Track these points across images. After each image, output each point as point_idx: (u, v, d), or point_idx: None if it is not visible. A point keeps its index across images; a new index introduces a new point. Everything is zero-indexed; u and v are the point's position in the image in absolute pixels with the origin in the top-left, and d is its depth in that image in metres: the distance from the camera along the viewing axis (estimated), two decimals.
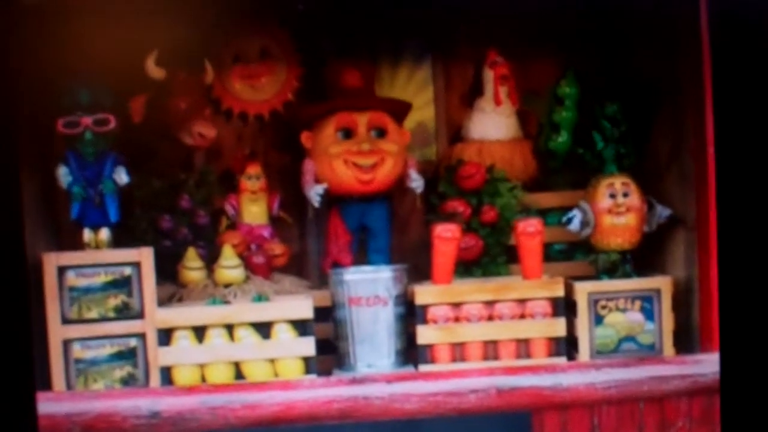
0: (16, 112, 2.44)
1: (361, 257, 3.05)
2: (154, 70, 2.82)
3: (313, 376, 2.73)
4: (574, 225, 2.87)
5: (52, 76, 2.75)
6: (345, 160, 2.94)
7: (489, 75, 3.11)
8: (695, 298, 2.81)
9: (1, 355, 2.41)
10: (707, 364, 2.67)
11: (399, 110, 3.05)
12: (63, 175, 2.72)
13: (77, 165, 2.72)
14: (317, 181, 2.96)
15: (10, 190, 2.42)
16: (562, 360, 2.79)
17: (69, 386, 2.66)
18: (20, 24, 2.46)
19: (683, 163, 2.85)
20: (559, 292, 2.81)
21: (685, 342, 2.84)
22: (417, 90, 3.24)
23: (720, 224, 2.55)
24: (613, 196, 2.85)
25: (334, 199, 3.02)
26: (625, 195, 2.85)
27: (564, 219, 2.90)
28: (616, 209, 2.84)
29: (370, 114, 2.97)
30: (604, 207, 2.85)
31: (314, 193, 2.94)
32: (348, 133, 2.97)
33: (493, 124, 3.12)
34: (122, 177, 2.74)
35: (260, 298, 2.78)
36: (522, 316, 2.80)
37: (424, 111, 3.24)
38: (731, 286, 2.51)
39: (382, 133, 2.98)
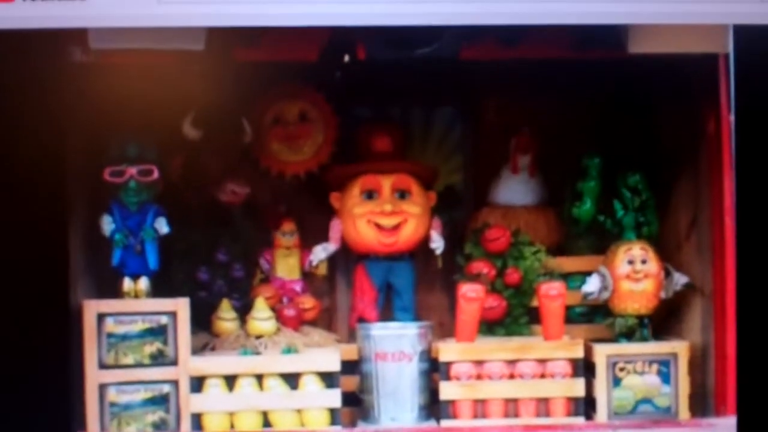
0: (66, 163, 2.49)
1: (387, 313, 3.05)
2: (190, 130, 2.87)
3: (338, 428, 2.72)
4: (590, 288, 2.87)
5: (101, 129, 2.80)
6: (368, 220, 2.97)
7: (512, 144, 3.13)
8: (711, 363, 2.79)
9: (42, 396, 2.44)
10: (721, 428, 2.64)
11: (425, 174, 3.07)
12: (107, 223, 2.75)
13: (120, 214, 2.75)
14: (343, 240, 3.00)
15: (58, 238, 2.48)
16: (580, 420, 2.77)
17: (103, 429, 2.66)
18: (72, 78, 2.52)
19: (701, 233, 2.85)
20: (579, 353, 2.80)
21: (700, 406, 2.81)
22: (447, 155, 3.26)
23: (737, 292, 2.54)
24: (631, 262, 2.85)
25: (360, 257, 3.04)
26: (644, 262, 2.85)
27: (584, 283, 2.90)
28: (634, 275, 2.84)
29: (394, 177, 3.00)
30: (622, 273, 2.85)
31: (319, 249, 3.01)
32: (372, 195, 2.99)
33: (518, 190, 3.14)
34: (163, 227, 2.77)
35: (290, 350, 2.78)
36: (542, 376, 2.78)
37: (453, 175, 3.26)
38: (747, 352, 2.52)
39: (405, 195, 3.00)
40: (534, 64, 2.76)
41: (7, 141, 2.41)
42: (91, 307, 2.67)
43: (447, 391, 2.77)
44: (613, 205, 2.94)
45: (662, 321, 2.96)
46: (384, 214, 2.97)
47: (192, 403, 2.69)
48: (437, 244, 3.02)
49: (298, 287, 3.04)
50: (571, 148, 3.11)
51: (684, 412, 2.79)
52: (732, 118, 2.55)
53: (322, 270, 3.08)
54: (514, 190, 3.15)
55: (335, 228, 3.03)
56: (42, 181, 2.43)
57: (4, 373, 2.43)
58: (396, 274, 3.05)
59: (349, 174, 3.03)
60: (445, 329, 2.97)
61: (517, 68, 2.82)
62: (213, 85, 2.82)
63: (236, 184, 2.98)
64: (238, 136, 2.93)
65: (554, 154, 3.16)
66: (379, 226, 2.98)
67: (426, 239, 3.02)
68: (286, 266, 3.04)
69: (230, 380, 2.72)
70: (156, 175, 2.75)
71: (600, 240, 3.02)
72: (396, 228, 2.98)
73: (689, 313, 2.93)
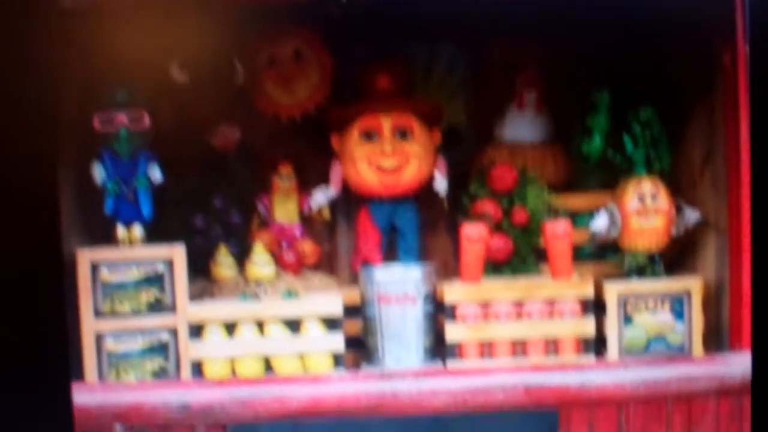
0: (55, 110, 2.46)
1: (391, 255, 3.00)
2: (178, 74, 2.81)
3: (341, 371, 2.68)
4: (598, 226, 2.80)
5: (90, 76, 2.74)
6: (369, 162, 2.91)
7: (518, 80, 3.05)
8: (725, 299, 2.72)
9: (38, 347, 2.42)
10: (736, 365, 2.60)
11: (427, 112, 2.99)
12: (98, 171, 2.70)
13: (112, 163, 2.70)
14: (345, 183, 2.95)
15: (48, 187, 2.44)
16: (590, 358, 2.71)
17: (101, 378, 2.63)
18: (59, 25, 2.47)
19: (716, 169, 2.77)
20: (589, 291, 2.73)
21: (714, 343, 2.75)
22: (451, 93, 3.18)
23: (752, 228, 2.51)
24: (641, 198, 2.78)
25: (363, 199, 2.98)
26: (654, 197, 2.77)
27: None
28: (644, 211, 2.77)
29: (394, 116, 2.92)
30: (632, 209, 2.78)
31: (319, 195, 2.96)
32: (372, 136, 2.92)
33: (524, 127, 3.06)
34: (156, 175, 2.72)
35: (290, 294, 2.73)
36: (551, 315, 2.72)
37: (457, 114, 3.18)
38: (762, 287, 2.48)
39: (407, 135, 2.92)
40: None
41: None
42: (85, 256, 2.64)
43: (453, 332, 2.72)
44: (622, 140, 2.85)
45: (676, 257, 2.89)
46: (384, 155, 2.90)
47: (192, 350, 2.66)
48: (440, 185, 2.95)
49: (297, 231, 2.97)
50: (579, 83, 3.00)
51: (698, 350, 2.72)
52: (747, 49, 2.49)
53: (326, 214, 3.02)
54: (520, 127, 3.07)
55: (335, 171, 2.97)
56: (31, 129, 2.39)
57: (1, 327, 2.41)
58: (400, 216, 2.99)
59: (349, 115, 2.95)
60: (451, 270, 2.92)
61: (524, 3, 2.74)
62: (204, 28, 2.75)
63: (228, 128, 2.92)
64: (229, 77, 2.87)
65: (562, 90, 3.08)
66: (380, 168, 2.91)
67: (430, 179, 2.95)
68: (285, 210, 2.98)
69: (230, 326, 2.69)
70: (147, 121, 2.70)
71: (610, 177, 2.93)
72: (397, 169, 2.91)
73: (703, 250, 2.85)
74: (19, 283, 2.41)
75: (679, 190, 2.86)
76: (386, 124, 2.92)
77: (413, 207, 3.01)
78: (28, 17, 2.37)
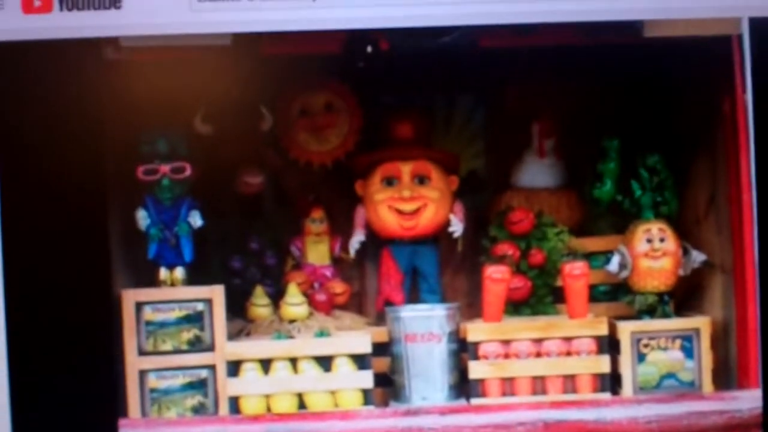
0: (104, 159, 2.51)
1: (414, 297, 3.06)
2: (201, 126, 2.86)
3: (370, 407, 2.74)
4: (613, 266, 2.87)
5: (135, 126, 2.81)
6: (389, 206, 2.98)
7: (535, 129, 3.13)
8: (733, 337, 2.77)
9: (87, 385, 2.47)
10: (744, 401, 2.63)
11: (445, 159, 3.07)
12: (142, 218, 2.77)
13: (155, 209, 2.77)
14: (367, 226, 3.02)
15: (99, 232, 2.50)
16: (606, 395, 2.77)
17: (144, 414, 2.68)
18: (105, 77, 2.52)
19: (720, 211, 2.83)
20: (603, 330, 2.79)
21: (724, 379, 2.80)
22: (470, 140, 3.25)
23: (757, 269, 2.55)
24: (649, 241, 2.84)
25: (385, 241, 3.05)
26: (662, 240, 2.84)
27: (605, 260, 2.91)
28: (652, 253, 2.84)
29: (413, 164, 3.00)
30: (641, 251, 2.85)
31: (355, 241, 3.02)
32: (392, 182, 3.00)
33: (540, 173, 3.14)
34: (197, 220, 2.78)
35: (322, 333, 2.79)
36: (568, 353, 2.79)
37: (476, 160, 3.25)
38: None
39: (425, 181, 3.00)
40: (551, 50, 2.73)
41: (48, 142, 2.43)
42: (130, 296, 2.69)
43: (476, 369, 2.78)
44: (630, 185, 2.93)
45: (684, 298, 2.96)
46: (403, 200, 2.97)
47: (229, 386, 2.71)
48: (455, 227, 3.01)
49: (328, 272, 3.04)
50: (589, 130, 3.09)
51: (708, 386, 2.78)
52: (747, 97, 2.53)
53: (347, 257, 3.09)
54: (537, 173, 3.14)
55: (359, 215, 3.04)
56: (82, 178, 2.45)
57: (53, 365, 2.46)
58: (421, 258, 3.06)
59: (371, 161, 3.03)
60: (473, 311, 2.97)
61: (535, 54, 2.79)
62: (238, 79, 2.82)
63: (249, 175, 2.98)
64: (256, 124, 2.92)
65: (573, 138, 3.15)
66: (399, 211, 2.98)
67: (448, 223, 3.02)
68: (317, 252, 3.05)
69: (265, 364, 2.73)
70: (189, 171, 2.76)
71: (620, 220, 3.01)
72: (415, 213, 2.98)
73: (710, 290, 2.92)
74: (72, 324, 2.46)
75: (685, 233, 2.92)
76: (406, 170, 3.00)
77: (434, 249, 3.08)
78: (75, 69, 2.44)
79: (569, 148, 3.17)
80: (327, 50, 2.69)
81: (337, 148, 3.06)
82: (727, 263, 2.80)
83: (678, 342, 2.81)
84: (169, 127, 2.80)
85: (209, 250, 2.95)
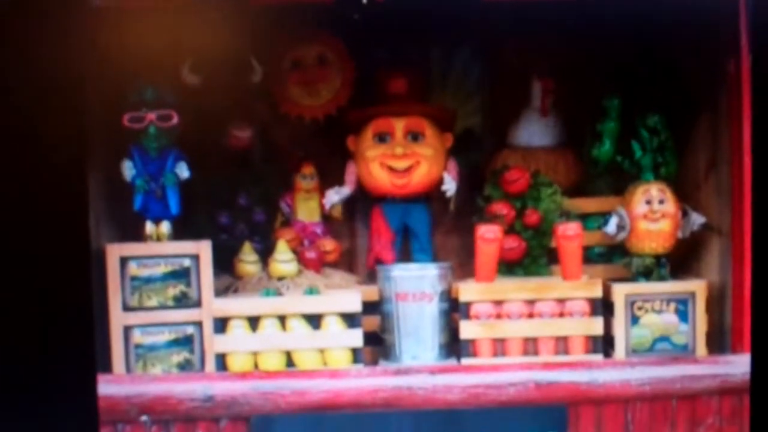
0: (85, 109, 2.45)
1: (405, 255, 3.01)
2: (188, 77, 2.79)
3: (360, 366, 2.70)
4: (610, 228, 2.82)
5: (119, 75, 2.73)
6: (381, 163, 2.92)
7: (536, 86, 3.06)
8: (728, 301, 2.74)
9: (66, 339, 2.43)
10: (737, 365, 2.62)
11: (440, 116, 3.00)
12: (127, 168, 2.71)
13: (141, 160, 2.71)
14: (358, 183, 2.96)
15: (78, 184, 2.44)
16: (598, 357, 2.73)
17: (128, 370, 2.65)
18: (90, 24, 2.46)
19: (720, 175, 2.79)
20: (598, 292, 2.75)
21: (717, 343, 2.77)
22: (466, 97, 3.18)
23: (754, 232, 2.52)
24: (648, 202, 2.79)
25: (376, 199, 2.99)
26: (661, 202, 2.79)
27: (602, 222, 2.85)
28: (651, 215, 2.79)
29: (407, 119, 2.93)
30: (639, 213, 2.80)
31: (331, 192, 2.95)
32: (385, 138, 2.94)
33: (538, 131, 3.07)
34: (183, 172, 2.73)
35: (312, 291, 2.74)
36: (561, 315, 2.74)
37: (472, 117, 3.18)
38: (764, 291, 2.50)
39: (418, 137, 2.93)
40: (552, 4, 2.68)
41: (26, 89, 2.37)
42: (114, 251, 2.65)
43: (467, 329, 2.74)
44: (631, 145, 2.87)
45: (681, 260, 2.91)
46: (395, 157, 2.91)
47: (216, 343, 2.67)
48: (449, 186, 2.95)
49: (318, 230, 2.99)
50: (590, 89, 3.02)
51: (701, 349, 2.75)
52: (751, 58, 2.50)
53: (338, 213, 3.04)
54: (535, 131, 3.08)
55: (350, 171, 2.99)
56: (61, 127, 2.39)
57: (30, 318, 2.42)
58: (412, 217, 3.01)
59: (363, 117, 2.97)
60: (465, 270, 2.92)
61: (535, 9, 2.73)
62: (228, 29, 2.74)
63: (238, 129, 2.92)
64: (245, 76, 2.85)
65: (573, 96, 3.08)
66: (391, 169, 2.92)
67: (442, 181, 2.96)
68: (307, 209, 3.00)
69: (253, 321, 2.70)
70: (175, 119, 2.70)
71: (619, 181, 2.96)
72: (408, 170, 2.92)
73: (707, 253, 2.87)
74: (49, 277, 2.41)
75: (684, 195, 2.87)
76: (399, 126, 2.94)
77: (425, 208, 3.02)
78: (58, 16, 2.36)
79: (568, 107, 3.09)
80: (320, 0, 2.65)
81: (329, 103, 2.99)
82: (725, 226, 2.75)
83: (673, 305, 2.76)
84: (157, 75, 2.73)
85: (196, 204, 2.89)
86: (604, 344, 2.76)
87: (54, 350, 2.44)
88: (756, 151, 2.51)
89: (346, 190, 2.98)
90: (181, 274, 2.66)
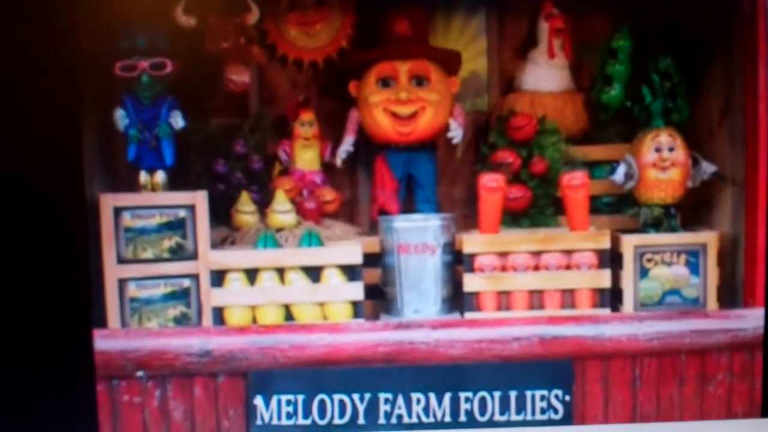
0: (76, 57, 2.37)
1: (409, 205, 2.90)
2: (182, 18, 2.66)
3: (360, 320, 2.62)
4: (618, 176, 2.73)
5: (110, 22, 2.60)
6: (384, 108, 2.79)
7: (543, 27, 2.91)
8: (740, 254, 2.66)
9: (59, 293, 2.38)
10: (749, 320, 2.55)
11: (445, 59, 2.87)
12: (120, 118, 2.61)
13: (134, 109, 2.60)
14: (360, 131, 2.85)
15: (71, 134, 2.38)
16: (606, 311, 2.64)
17: (124, 324, 2.57)
18: None
19: (734, 121, 2.68)
20: (605, 244, 2.66)
21: (729, 297, 2.68)
22: (470, 40, 3.03)
23: None
24: (658, 150, 2.69)
25: (380, 147, 2.87)
26: (671, 150, 2.69)
27: (610, 170, 2.75)
28: (660, 163, 2.69)
29: (411, 63, 2.80)
30: (648, 161, 2.69)
31: (342, 150, 2.85)
32: (388, 83, 2.81)
33: (545, 75, 2.93)
34: (178, 121, 2.62)
35: (310, 235, 2.65)
36: (568, 267, 2.66)
37: (477, 61, 3.03)
38: None
39: (423, 82, 2.81)
40: None
41: (16, 40, 2.30)
42: (108, 201, 2.55)
43: (471, 283, 2.65)
44: (641, 90, 2.75)
45: (692, 210, 2.81)
46: (399, 102, 2.78)
47: (213, 297, 2.59)
48: (455, 132, 2.84)
49: (318, 179, 2.87)
50: (599, 30, 2.91)
51: (712, 303, 2.66)
52: None
53: (338, 162, 2.92)
54: (542, 75, 2.93)
55: (352, 118, 2.86)
56: (52, 75, 2.33)
57: (22, 270, 2.37)
58: (417, 165, 2.88)
59: (366, 60, 2.83)
60: (469, 221, 2.81)
61: None
62: None
63: (235, 72, 2.78)
64: (240, 17, 2.73)
65: (581, 38, 2.94)
66: (395, 115, 2.80)
67: (447, 128, 2.84)
68: (306, 157, 2.87)
69: (251, 274, 2.62)
70: (169, 67, 2.59)
71: (629, 127, 2.83)
72: (413, 116, 2.80)
73: (720, 203, 2.77)
74: (42, 228, 2.36)
75: (696, 143, 2.76)
76: (403, 70, 2.80)
77: (431, 157, 2.90)
78: None
79: (576, 50, 2.94)
80: None
81: (329, 45, 2.86)
82: (738, 176, 2.66)
83: (683, 257, 2.67)
84: (149, 22, 2.61)
85: (191, 153, 2.77)
86: (612, 298, 2.67)
87: (48, 304, 2.39)
88: None
89: (350, 140, 2.86)
90: (176, 225, 2.57)
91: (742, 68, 2.58)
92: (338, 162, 2.88)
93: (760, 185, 2.52)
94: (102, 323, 2.53)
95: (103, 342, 2.47)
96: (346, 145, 2.86)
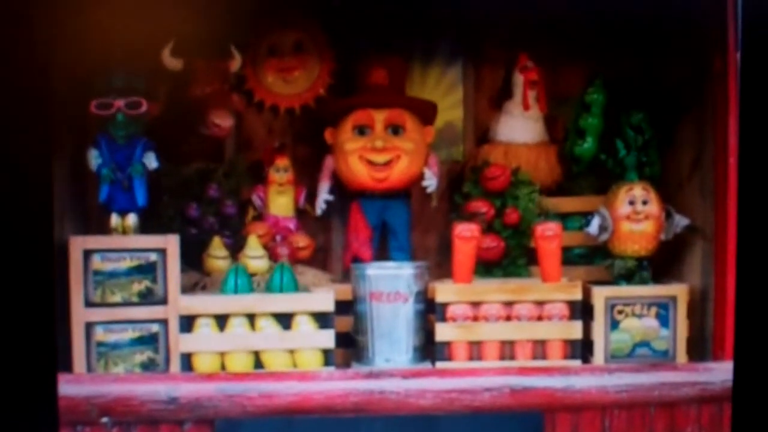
0: (49, 96, 2.30)
1: (382, 253, 2.88)
2: (169, 60, 2.65)
3: (331, 369, 2.56)
4: (593, 228, 2.70)
5: (86, 61, 2.58)
6: (360, 156, 2.78)
7: (519, 79, 2.91)
8: (710, 307, 2.64)
9: (25, 336, 2.29)
10: (718, 373, 2.52)
11: (421, 109, 2.86)
12: (93, 157, 2.55)
13: (108, 149, 2.55)
14: (335, 177, 2.83)
15: (41, 173, 2.29)
16: (576, 362, 2.61)
17: (90, 369, 2.50)
18: (57, 10, 2.32)
19: (705, 175, 2.68)
20: (577, 295, 2.63)
21: (699, 350, 2.67)
22: (447, 90, 3.03)
23: (738, 235, 2.41)
24: (632, 203, 2.67)
25: (354, 194, 2.85)
26: (645, 203, 2.67)
27: (584, 222, 2.73)
28: (634, 216, 2.67)
29: (387, 112, 2.79)
30: (622, 213, 2.68)
31: (321, 200, 2.84)
32: (364, 131, 2.79)
33: (520, 127, 2.93)
34: (152, 162, 2.57)
35: (282, 267, 2.58)
36: (540, 318, 2.62)
37: (453, 111, 3.03)
38: (747, 296, 2.38)
39: (399, 131, 2.79)
40: None
41: None
42: (77, 243, 2.49)
43: (443, 332, 2.61)
44: (615, 144, 2.75)
45: (662, 263, 2.80)
46: (375, 151, 2.77)
47: (182, 342, 2.53)
48: (430, 181, 2.83)
49: (291, 225, 2.84)
50: (573, 83, 2.92)
51: (682, 356, 2.64)
52: (739, 56, 2.39)
53: (310, 209, 2.90)
54: (516, 126, 2.93)
55: (327, 165, 2.84)
56: (25, 114, 2.24)
57: None
58: (391, 213, 2.86)
59: (343, 108, 2.82)
60: (443, 270, 2.79)
61: (520, 1, 2.63)
62: (203, 14, 2.60)
63: (219, 117, 2.72)
64: (225, 63, 2.70)
65: (556, 90, 2.96)
66: (370, 162, 2.78)
67: (422, 177, 2.83)
68: (280, 203, 2.84)
69: (221, 320, 2.55)
70: (144, 107, 2.55)
71: (601, 180, 2.83)
72: (388, 164, 2.78)
73: (690, 256, 2.77)
74: (9, 269, 2.27)
75: (667, 195, 2.75)
76: (379, 119, 2.79)
77: (405, 204, 2.89)
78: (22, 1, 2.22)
79: (551, 102, 2.95)
80: None
81: (306, 92, 2.85)
82: (708, 228, 2.65)
83: (654, 309, 2.65)
84: (127, 62, 2.58)
85: (164, 196, 2.73)
86: (583, 349, 2.64)
87: (13, 348, 2.29)
88: (742, 151, 2.40)
89: (326, 186, 2.84)
90: (147, 269, 2.51)
91: (713, 123, 2.58)
92: (318, 212, 2.86)
93: (729, 239, 2.50)
94: (67, 367, 2.47)
95: (67, 387, 2.39)
96: (324, 194, 2.84)
